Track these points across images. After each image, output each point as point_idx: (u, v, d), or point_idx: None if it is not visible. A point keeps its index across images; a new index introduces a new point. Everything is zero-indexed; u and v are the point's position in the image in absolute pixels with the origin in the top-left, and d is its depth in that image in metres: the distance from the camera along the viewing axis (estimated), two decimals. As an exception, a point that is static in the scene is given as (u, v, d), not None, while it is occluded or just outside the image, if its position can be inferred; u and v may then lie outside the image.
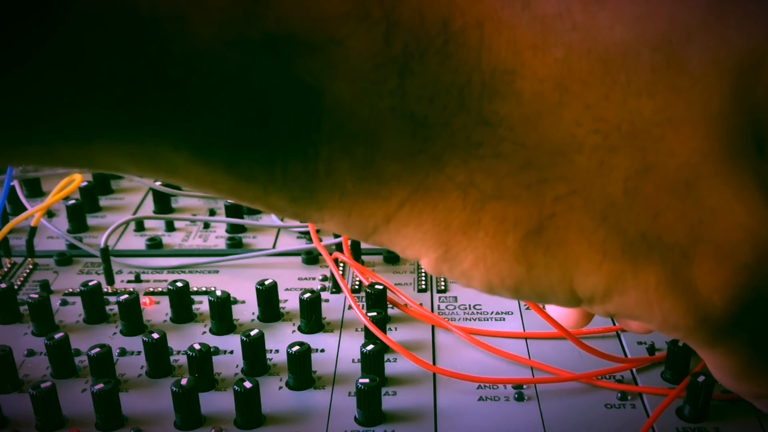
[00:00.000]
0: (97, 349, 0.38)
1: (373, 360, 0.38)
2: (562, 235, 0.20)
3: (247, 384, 0.35)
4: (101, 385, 0.35)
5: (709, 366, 0.23)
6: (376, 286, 0.43)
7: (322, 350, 0.41)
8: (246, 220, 0.54)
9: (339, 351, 0.41)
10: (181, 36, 0.16)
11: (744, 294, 0.20)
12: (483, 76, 0.18)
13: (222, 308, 0.42)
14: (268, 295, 0.43)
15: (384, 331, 0.40)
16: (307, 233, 0.52)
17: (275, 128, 0.18)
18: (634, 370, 0.39)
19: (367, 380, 0.36)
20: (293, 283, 0.47)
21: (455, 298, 0.45)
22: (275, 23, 0.17)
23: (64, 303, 0.45)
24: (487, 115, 0.19)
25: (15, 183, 0.54)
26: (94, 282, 0.44)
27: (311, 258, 0.49)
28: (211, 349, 0.39)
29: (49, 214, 0.56)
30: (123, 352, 0.41)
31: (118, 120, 0.17)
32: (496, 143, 0.19)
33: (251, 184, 0.19)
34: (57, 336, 0.39)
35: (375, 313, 0.41)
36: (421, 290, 0.46)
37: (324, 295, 0.46)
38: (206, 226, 0.55)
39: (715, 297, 0.20)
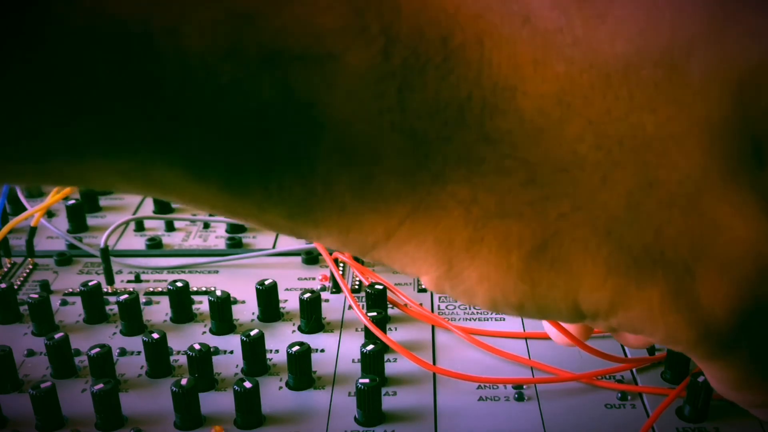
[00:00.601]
0: (97, 349, 0.38)
1: (373, 360, 0.38)
2: (566, 251, 0.19)
3: (247, 384, 0.35)
4: (101, 385, 0.35)
5: (708, 377, 0.23)
6: (376, 286, 0.43)
7: (322, 350, 0.41)
8: (246, 220, 0.54)
9: (339, 351, 0.41)
10: (173, 49, 0.16)
11: (745, 307, 0.20)
12: (484, 93, 0.18)
13: (222, 308, 0.42)
14: (268, 295, 0.43)
15: (384, 331, 0.40)
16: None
17: (271, 143, 0.18)
18: (634, 370, 0.39)
19: (367, 380, 0.36)
20: (293, 283, 0.47)
21: (455, 298, 0.45)
22: (271, 37, 0.16)
23: (64, 303, 0.45)
24: (489, 132, 0.18)
25: (15, 183, 0.54)
26: (94, 282, 0.44)
27: (311, 258, 0.49)
28: (211, 349, 0.39)
29: (49, 214, 0.56)
30: (123, 352, 0.41)
31: (109, 136, 0.17)
32: (498, 160, 0.19)
33: (246, 201, 0.19)
34: (57, 336, 0.39)
35: (375, 313, 0.41)
36: (421, 290, 0.46)
37: (324, 295, 0.46)
38: (206, 226, 0.55)
39: (718, 311, 0.20)
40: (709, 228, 0.19)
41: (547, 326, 0.37)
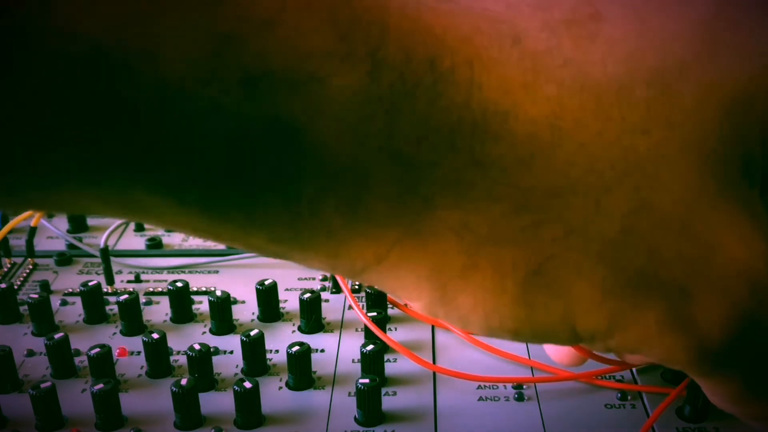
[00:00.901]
0: (97, 349, 0.38)
1: (373, 360, 0.38)
2: (561, 275, 0.19)
3: (247, 384, 0.35)
4: (101, 385, 0.35)
5: (705, 392, 0.23)
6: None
7: (322, 350, 0.41)
8: (246, 220, 0.54)
9: (339, 351, 0.41)
10: (151, 73, 0.15)
11: (740, 325, 0.20)
12: (473, 117, 0.18)
13: (222, 308, 0.42)
14: (268, 295, 0.43)
15: (384, 331, 0.40)
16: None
17: (254, 168, 0.17)
18: (634, 369, 0.39)
19: (367, 380, 0.36)
20: (293, 283, 0.47)
21: (455, 298, 0.45)
22: (253, 60, 0.16)
23: (64, 303, 0.45)
24: (479, 157, 0.18)
25: (15, 183, 0.54)
26: (94, 282, 0.44)
27: (311, 258, 0.49)
28: (211, 349, 0.39)
29: (49, 214, 0.56)
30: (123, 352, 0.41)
31: (85, 164, 0.16)
32: (489, 185, 0.18)
33: (229, 225, 0.18)
34: (57, 336, 0.39)
35: (375, 313, 0.41)
36: (421, 290, 0.46)
37: (324, 295, 0.45)
38: (206, 226, 0.55)
39: (713, 330, 0.20)
40: (702, 249, 0.19)
41: (547, 347, 0.37)
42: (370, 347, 0.38)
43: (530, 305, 0.20)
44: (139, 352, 0.41)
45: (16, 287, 0.46)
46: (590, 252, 0.19)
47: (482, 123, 0.18)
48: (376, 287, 0.21)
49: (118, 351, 0.41)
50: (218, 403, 0.37)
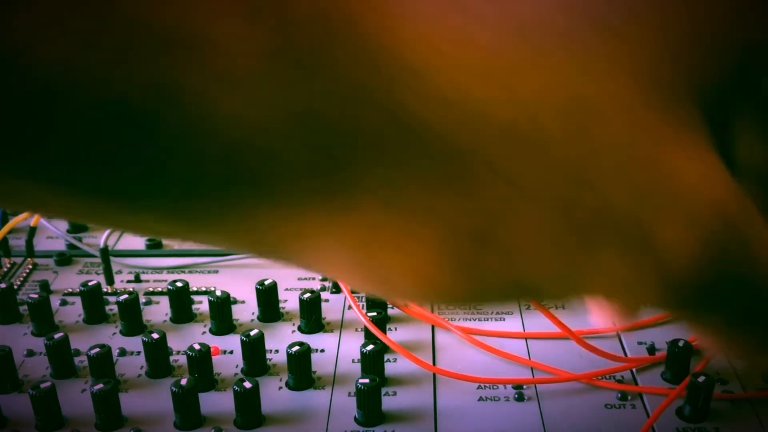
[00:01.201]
0: (97, 349, 0.38)
1: (373, 360, 0.38)
2: (508, 235, 0.18)
3: (247, 384, 0.35)
4: (101, 386, 0.35)
5: (693, 330, 0.23)
6: (376, 286, 0.43)
7: (322, 350, 0.41)
8: (246, 220, 0.54)
9: (339, 351, 0.41)
10: (31, 62, 0.14)
11: (707, 251, 0.19)
12: (394, 74, 0.16)
13: (222, 308, 0.42)
14: (268, 295, 0.43)
15: (384, 331, 0.40)
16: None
17: (144, 142, 0.15)
18: (634, 370, 0.39)
19: (367, 380, 0.36)
20: (293, 283, 0.47)
21: (455, 298, 0.45)
22: (132, 20, 0.14)
23: (63, 303, 0.45)
24: (404, 118, 0.16)
25: (15, 183, 0.54)
26: (94, 282, 0.44)
27: (311, 258, 0.49)
28: (211, 349, 0.39)
29: (49, 214, 0.56)
30: (123, 352, 0.41)
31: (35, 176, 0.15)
32: (419, 149, 0.17)
33: (115, 205, 0.17)
34: (57, 336, 0.39)
35: (375, 313, 0.41)
36: (421, 290, 0.46)
37: (324, 295, 0.45)
38: (206, 226, 0.55)
39: (679, 259, 0.19)
40: (661, 182, 0.18)
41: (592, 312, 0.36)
42: (370, 347, 0.38)
43: (476, 271, 0.18)
44: (139, 352, 0.41)
45: (15, 287, 0.46)
46: (538, 206, 0.18)
47: (404, 80, 0.16)
48: (295, 266, 0.19)
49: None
50: (218, 403, 0.37)
